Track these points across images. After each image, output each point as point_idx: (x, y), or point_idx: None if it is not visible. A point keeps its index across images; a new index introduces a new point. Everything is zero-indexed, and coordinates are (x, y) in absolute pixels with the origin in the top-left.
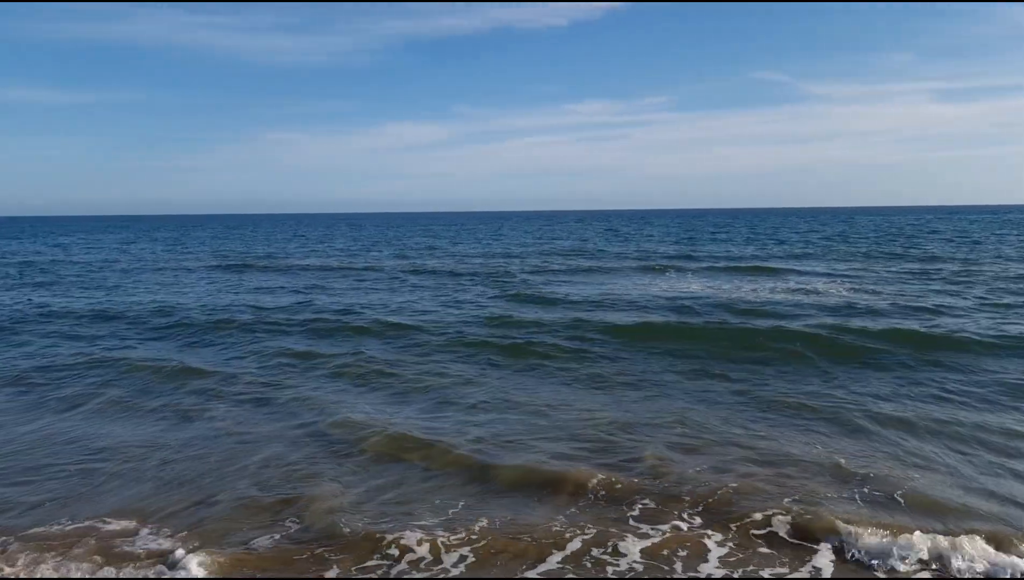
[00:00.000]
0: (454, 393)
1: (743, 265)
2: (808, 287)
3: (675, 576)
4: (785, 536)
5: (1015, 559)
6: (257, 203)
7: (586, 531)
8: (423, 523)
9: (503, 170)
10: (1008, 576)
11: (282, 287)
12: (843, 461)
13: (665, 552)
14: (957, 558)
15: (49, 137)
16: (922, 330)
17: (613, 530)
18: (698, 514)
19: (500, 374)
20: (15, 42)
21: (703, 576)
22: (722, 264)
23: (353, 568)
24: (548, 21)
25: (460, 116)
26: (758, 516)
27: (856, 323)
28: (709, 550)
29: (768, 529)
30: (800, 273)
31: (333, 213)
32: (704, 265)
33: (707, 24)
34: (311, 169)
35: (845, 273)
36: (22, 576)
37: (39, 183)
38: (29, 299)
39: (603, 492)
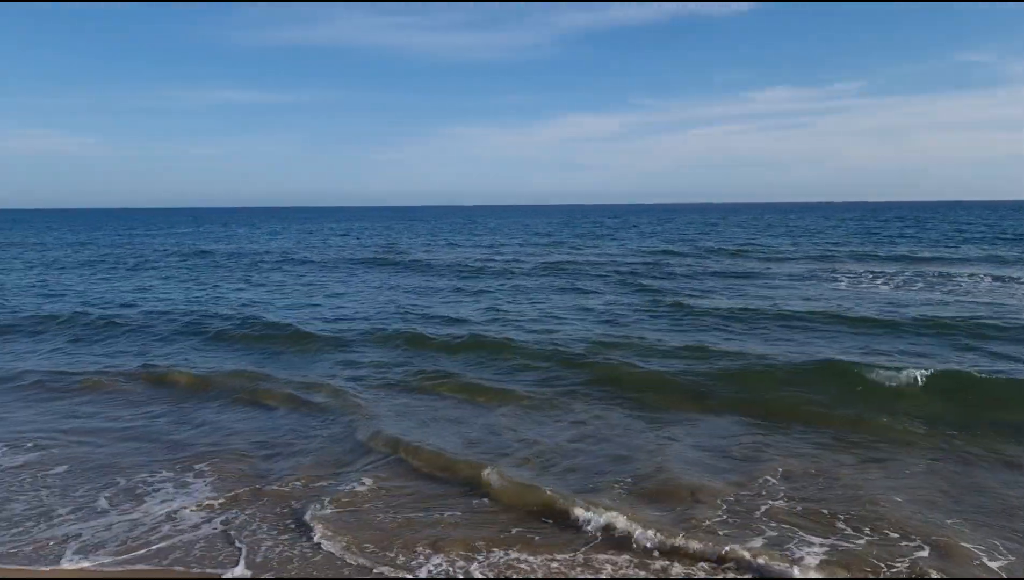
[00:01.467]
0: None
1: None
2: None
3: None
4: None
5: None
6: (439, 195)
7: None
8: None
9: (681, 162)
10: None
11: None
12: None
13: None
14: None
15: (252, 135)
16: None
17: None
18: None
19: None
20: (225, 49)
21: None
22: None
23: None
24: (729, 8)
25: (638, 107)
26: None
27: None
28: None
29: None
30: None
31: (510, 205)
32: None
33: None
34: (490, 162)
35: None
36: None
37: (246, 178)
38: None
39: None
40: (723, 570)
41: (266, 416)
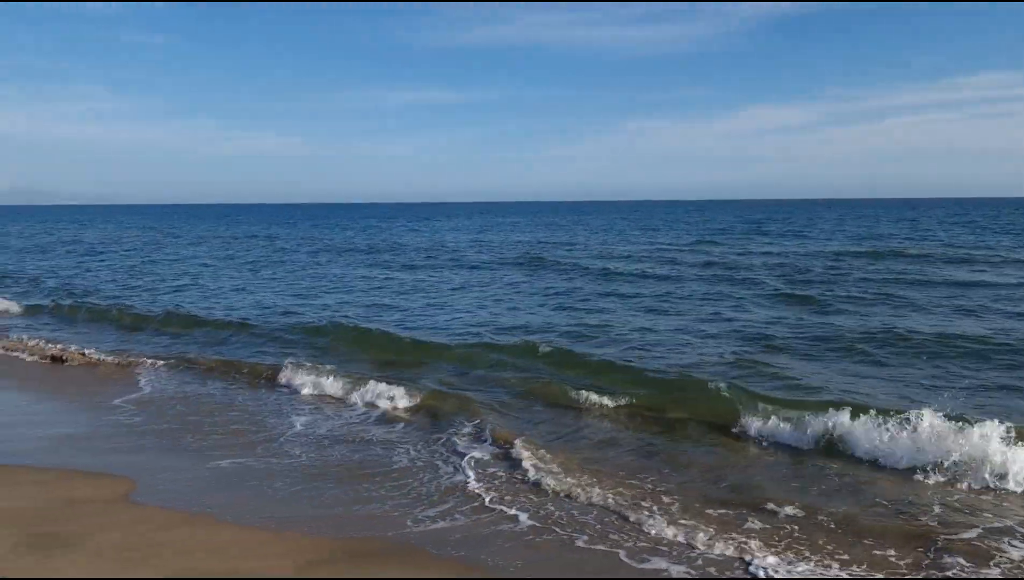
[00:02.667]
0: None
1: None
2: None
3: None
4: None
5: None
6: (611, 191)
7: None
8: None
9: (874, 153)
10: None
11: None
12: None
13: None
14: None
15: (441, 133)
16: None
17: None
18: None
19: None
20: (413, 50)
21: None
22: None
23: None
24: None
25: (828, 96)
26: None
27: None
28: None
29: None
30: None
31: (683, 201)
32: None
33: None
34: (666, 156)
35: None
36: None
37: (432, 174)
38: None
39: None
40: None
41: None
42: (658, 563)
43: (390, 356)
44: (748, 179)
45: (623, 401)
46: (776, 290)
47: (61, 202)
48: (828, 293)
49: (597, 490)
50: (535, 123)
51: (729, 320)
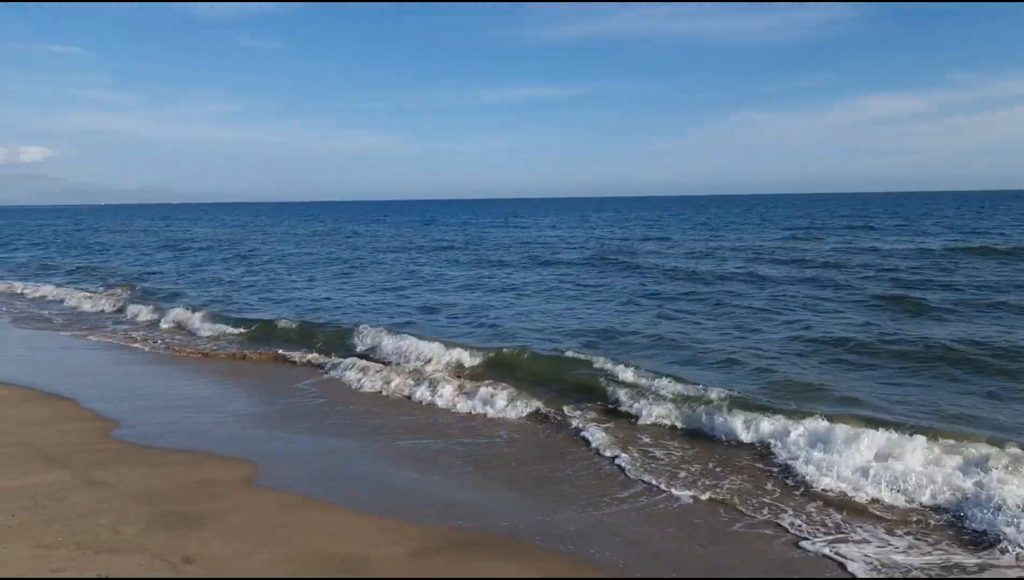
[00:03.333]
0: None
1: None
2: None
3: None
4: None
5: None
6: (723, 185)
7: None
8: None
9: (1002, 141)
10: None
11: None
12: None
13: None
14: None
15: (540, 128)
16: None
17: None
18: None
19: None
20: (513, 47)
21: None
22: None
23: None
24: None
25: (950, 83)
26: None
27: None
28: None
29: None
30: None
31: (797, 194)
32: None
33: None
34: (775, 148)
35: None
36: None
37: (533, 168)
38: None
39: None
40: None
41: None
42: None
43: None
44: (862, 171)
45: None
46: (871, 294)
47: (184, 201)
48: (932, 297)
49: None
50: (636, 117)
51: (807, 327)
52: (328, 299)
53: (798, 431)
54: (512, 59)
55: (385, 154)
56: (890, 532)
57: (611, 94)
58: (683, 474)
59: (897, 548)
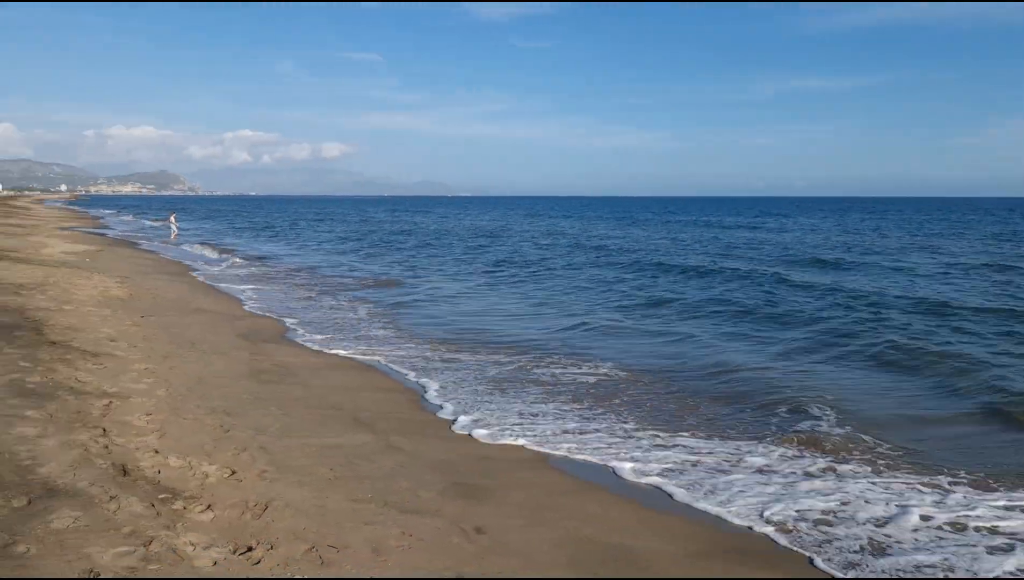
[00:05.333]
0: None
1: None
2: None
3: None
4: None
5: None
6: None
7: None
8: None
9: None
10: None
11: None
12: None
13: None
14: None
15: (812, 123)
16: None
17: None
18: None
19: None
20: (783, 36)
21: None
22: None
23: None
24: None
25: None
26: None
27: None
28: None
29: None
30: None
31: None
32: None
33: None
34: None
35: None
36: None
37: (803, 165)
38: None
39: None
40: None
41: None
42: None
43: None
44: None
45: None
46: None
47: (459, 193)
48: None
49: None
50: (926, 109)
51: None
52: None
53: None
54: (784, 48)
55: (646, 150)
56: None
57: (893, 86)
58: None
59: None
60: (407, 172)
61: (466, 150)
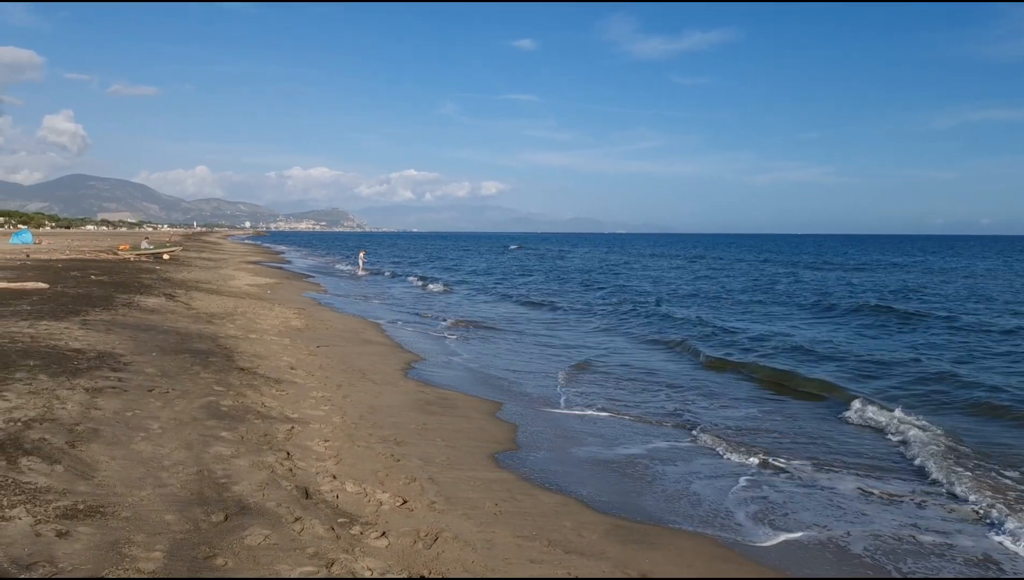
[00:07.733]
0: None
1: None
2: None
3: None
4: None
5: None
6: None
7: None
8: None
9: None
10: None
11: None
12: None
13: None
14: None
15: (993, 157)
16: None
17: None
18: None
19: None
20: (976, 63)
21: None
22: None
23: None
24: None
25: None
26: None
27: None
28: None
29: None
30: None
31: None
32: None
33: None
34: None
35: None
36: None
37: (982, 201)
38: None
39: None
40: None
41: None
42: None
43: None
44: None
45: None
46: None
47: (610, 230)
48: None
49: None
50: None
51: None
52: None
53: None
54: (971, 77)
55: (811, 184)
56: None
57: None
58: None
59: None
60: (560, 209)
61: (619, 187)
